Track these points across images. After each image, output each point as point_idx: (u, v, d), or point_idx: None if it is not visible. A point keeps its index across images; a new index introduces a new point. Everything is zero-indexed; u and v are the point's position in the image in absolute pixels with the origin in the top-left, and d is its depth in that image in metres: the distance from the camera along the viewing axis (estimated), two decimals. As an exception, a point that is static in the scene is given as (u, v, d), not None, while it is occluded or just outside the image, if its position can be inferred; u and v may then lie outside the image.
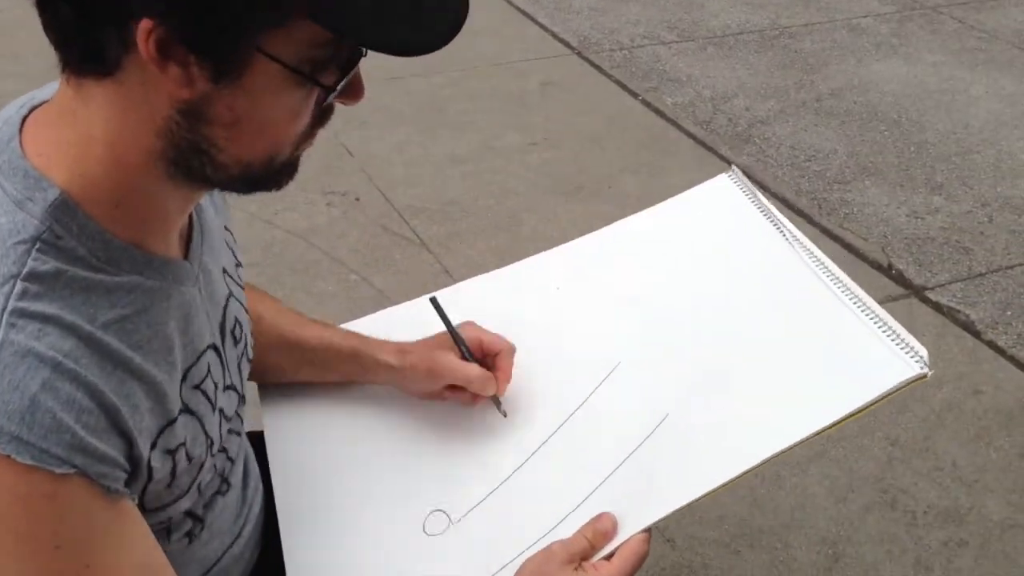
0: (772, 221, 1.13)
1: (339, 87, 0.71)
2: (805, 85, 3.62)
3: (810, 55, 3.86)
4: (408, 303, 1.22)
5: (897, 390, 0.90)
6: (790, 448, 0.90)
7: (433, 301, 1.07)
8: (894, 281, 2.58)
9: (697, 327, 1.08)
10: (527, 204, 2.83)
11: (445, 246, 2.62)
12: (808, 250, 1.08)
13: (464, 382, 1.03)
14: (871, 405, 0.90)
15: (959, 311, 2.47)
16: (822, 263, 1.06)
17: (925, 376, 0.90)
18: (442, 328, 1.06)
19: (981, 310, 2.47)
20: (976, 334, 2.39)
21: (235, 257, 0.95)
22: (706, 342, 1.06)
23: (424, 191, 2.86)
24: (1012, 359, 2.31)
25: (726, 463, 0.90)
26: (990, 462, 2.03)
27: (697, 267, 1.14)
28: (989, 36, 4.05)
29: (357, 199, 2.80)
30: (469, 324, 1.07)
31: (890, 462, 2.02)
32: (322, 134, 0.76)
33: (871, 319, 0.98)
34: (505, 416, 1.04)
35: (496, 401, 1.04)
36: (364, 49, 0.70)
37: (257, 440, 1.07)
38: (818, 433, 0.90)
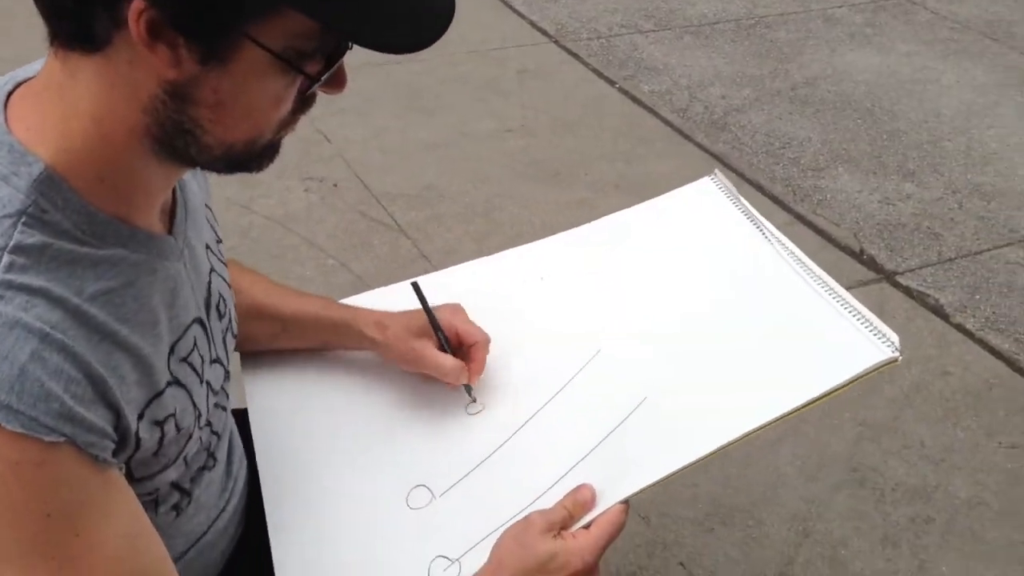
0: (752, 220, 1.16)
1: (323, 78, 0.72)
2: (780, 74, 3.66)
3: (785, 44, 3.90)
4: (388, 287, 1.24)
5: (868, 373, 0.94)
6: (765, 426, 0.93)
7: (415, 286, 1.08)
8: (865, 266, 2.63)
9: (676, 316, 1.11)
10: (504, 190, 2.85)
11: (423, 231, 2.64)
12: (786, 246, 1.12)
13: (437, 373, 1.06)
14: (843, 386, 0.93)
15: (929, 295, 2.52)
16: (799, 259, 1.10)
17: (896, 360, 0.94)
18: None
19: (950, 294, 2.52)
20: (945, 317, 2.44)
21: (216, 234, 0.97)
22: (685, 329, 1.09)
23: (402, 177, 2.87)
24: (980, 342, 2.36)
25: (702, 439, 0.93)
26: (957, 441, 2.08)
27: (677, 260, 1.18)
28: (961, 26, 4.10)
29: (335, 185, 2.80)
30: (451, 308, 1.09)
31: (859, 441, 2.06)
32: (301, 120, 0.78)
33: (845, 308, 1.01)
34: (475, 401, 1.07)
35: (467, 389, 1.07)
36: (350, 42, 0.72)
37: (240, 417, 1.09)
38: (792, 412, 0.93)
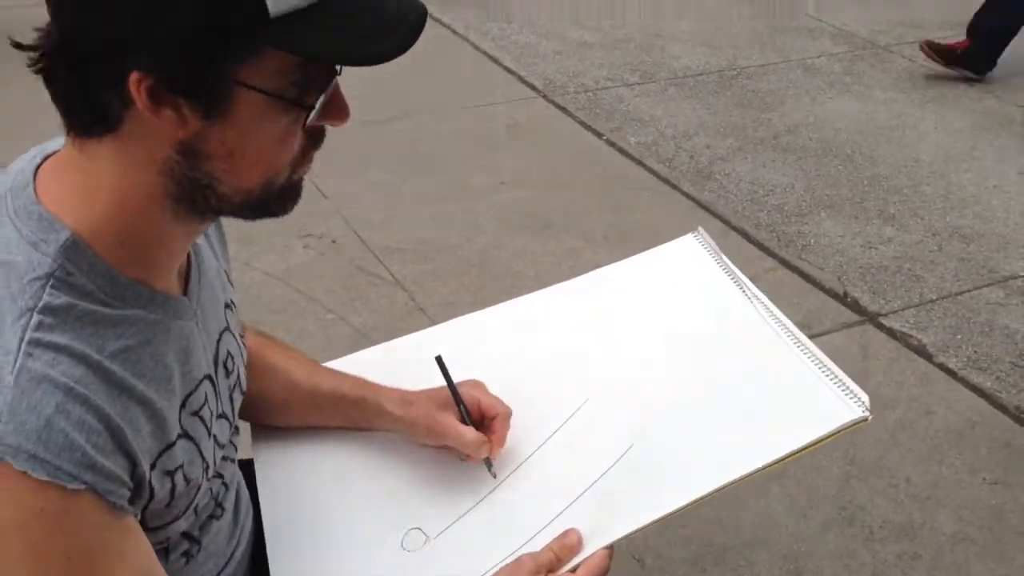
0: (732, 278, 1.23)
1: (318, 105, 0.77)
2: (763, 123, 3.77)
3: (767, 94, 4.02)
4: (387, 344, 1.30)
5: (840, 431, 0.99)
6: (741, 479, 0.98)
7: (439, 360, 1.11)
8: (850, 309, 2.70)
9: (661, 369, 1.17)
10: (497, 242, 2.93)
11: (419, 284, 2.71)
12: (765, 305, 1.18)
13: (460, 445, 1.09)
14: (816, 443, 0.99)
15: (912, 336, 2.58)
16: (777, 318, 1.16)
17: (866, 419, 0.99)
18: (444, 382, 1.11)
19: (932, 335, 2.59)
20: (928, 357, 2.51)
21: (231, 294, 1.03)
22: (669, 383, 1.15)
23: (397, 231, 2.95)
24: (963, 381, 2.42)
25: (683, 490, 0.99)
26: (942, 479, 2.13)
27: (663, 315, 1.24)
28: (937, 73, 4.22)
29: (333, 241, 2.88)
30: (473, 383, 1.12)
31: (847, 480, 2.11)
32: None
33: (820, 368, 1.08)
34: (495, 477, 1.09)
35: (487, 463, 1.09)
36: (338, 67, 0.78)
37: (246, 467, 1.15)
38: (767, 467, 0.99)
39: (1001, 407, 2.34)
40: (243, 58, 0.71)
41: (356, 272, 2.75)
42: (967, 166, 3.49)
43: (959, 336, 2.59)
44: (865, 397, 1.01)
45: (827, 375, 1.06)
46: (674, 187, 3.27)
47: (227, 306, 1.01)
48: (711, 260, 1.26)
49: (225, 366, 0.97)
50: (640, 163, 3.43)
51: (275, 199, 0.81)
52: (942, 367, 2.47)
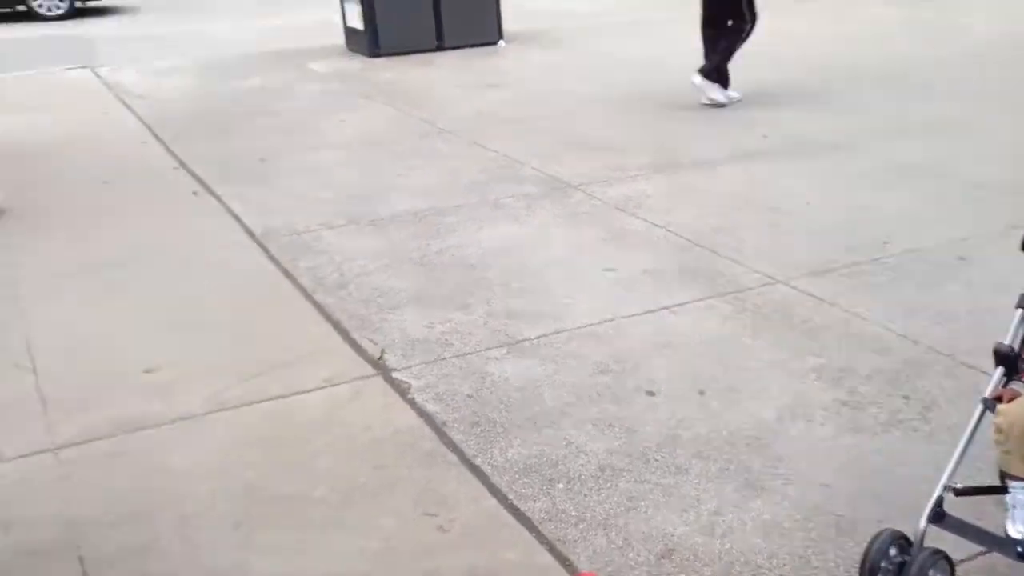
0: None
1: None
2: (422, 247, 4.63)
3: (445, 225, 4.91)
4: None
5: None
6: None
7: None
8: (374, 367, 3.46)
9: None
10: (136, 340, 3.78)
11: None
12: None
13: None
14: None
15: (405, 382, 3.33)
16: None
17: None
18: None
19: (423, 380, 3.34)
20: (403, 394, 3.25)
21: None
22: None
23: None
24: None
25: None
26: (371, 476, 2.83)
27: None
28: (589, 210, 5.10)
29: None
30: None
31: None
32: None
33: None
34: None
35: None
36: None
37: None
38: None
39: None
40: None
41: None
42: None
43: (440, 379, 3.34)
44: None
45: None
46: (308, 296, 4.12)
47: None
48: None
49: None
50: (294, 279, 4.30)
51: None
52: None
